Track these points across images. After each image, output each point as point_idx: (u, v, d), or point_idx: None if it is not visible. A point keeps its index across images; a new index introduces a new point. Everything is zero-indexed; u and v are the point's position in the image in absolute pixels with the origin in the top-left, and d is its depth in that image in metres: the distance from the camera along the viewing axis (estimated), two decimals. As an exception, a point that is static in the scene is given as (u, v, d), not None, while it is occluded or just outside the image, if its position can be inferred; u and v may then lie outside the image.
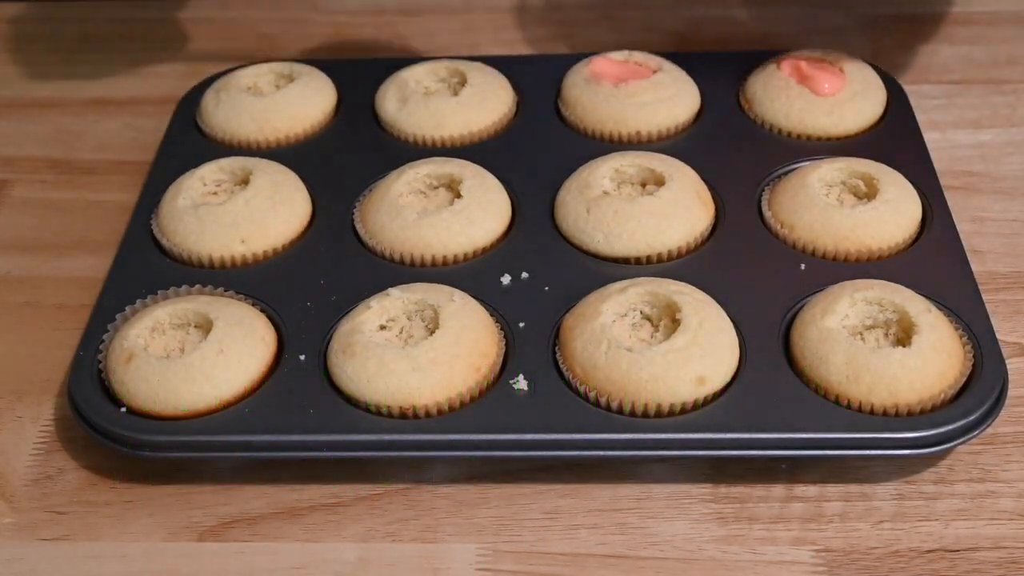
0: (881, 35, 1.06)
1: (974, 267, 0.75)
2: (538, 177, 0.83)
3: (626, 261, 0.77)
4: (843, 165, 0.80)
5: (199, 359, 0.68)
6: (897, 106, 0.89)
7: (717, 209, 0.80)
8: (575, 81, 0.90)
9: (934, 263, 0.75)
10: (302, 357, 0.70)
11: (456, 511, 0.67)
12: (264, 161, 0.83)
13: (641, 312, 0.71)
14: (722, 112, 0.90)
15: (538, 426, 0.66)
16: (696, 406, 0.67)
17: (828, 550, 0.64)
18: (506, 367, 0.70)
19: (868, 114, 0.87)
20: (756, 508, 0.66)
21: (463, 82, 0.90)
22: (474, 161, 0.83)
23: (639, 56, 0.92)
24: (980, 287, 0.73)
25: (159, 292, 0.75)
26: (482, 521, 0.66)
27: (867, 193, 0.79)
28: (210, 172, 0.82)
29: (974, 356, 0.69)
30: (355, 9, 1.12)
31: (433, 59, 0.93)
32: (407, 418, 0.67)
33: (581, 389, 0.68)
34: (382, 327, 0.71)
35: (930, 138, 0.88)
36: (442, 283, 0.73)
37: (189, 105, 0.92)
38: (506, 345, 0.71)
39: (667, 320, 0.70)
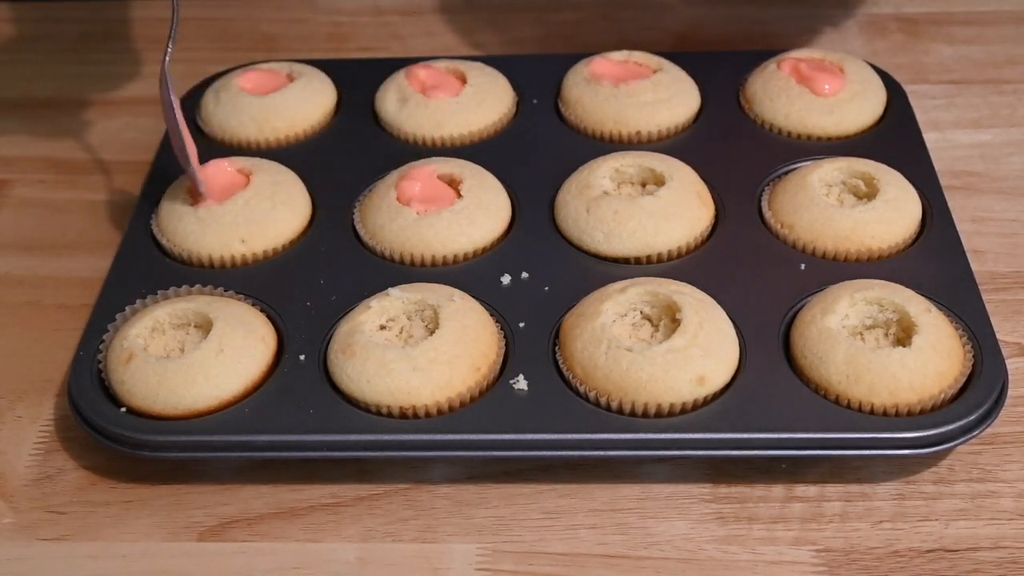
0: (881, 35, 1.06)
1: (974, 267, 0.75)
2: (538, 177, 0.83)
3: (626, 261, 0.77)
4: (843, 165, 0.80)
5: (199, 359, 0.68)
6: (897, 106, 0.89)
7: (717, 209, 0.80)
8: (575, 81, 0.90)
9: (934, 263, 0.75)
10: (302, 357, 0.70)
11: (456, 511, 0.67)
12: (264, 161, 0.83)
13: (641, 312, 0.71)
14: (722, 112, 0.89)
15: (538, 426, 0.66)
16: (696, 406, 0.67)
17: (828, 550, 0.64)
18: (506, 367, 0.70)
19: (868, 114, 0.87)
20: (756, 508, 0.66)
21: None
22: (474, 161, 0.83)
23: (639, 56, 0.92)
24: (980, 287, 0.73)
25: (159, 292, 0.75)
26: (482, 521, 0.66)
27: (867, 193, 0.79)
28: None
29: (974, 356, 0.69)
30: (355, 9, 1.12)
31: (433, 59, 0.93)
32: (407, 418, 0.67)
33: (581, 389, 0.68)
34: (382, 327, 0.71)
35: (930, 138, 0.88)
36: (442, 283, 0.73)
37: (189, 105, 0.92)
38: (506, 345, 0.71)
39: (667, 320, 0.70)
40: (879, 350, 0.67)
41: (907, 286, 0.71)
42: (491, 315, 0.72)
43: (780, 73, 0.89)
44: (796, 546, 0.64)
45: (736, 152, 0.85)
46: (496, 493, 0.68)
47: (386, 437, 0.66)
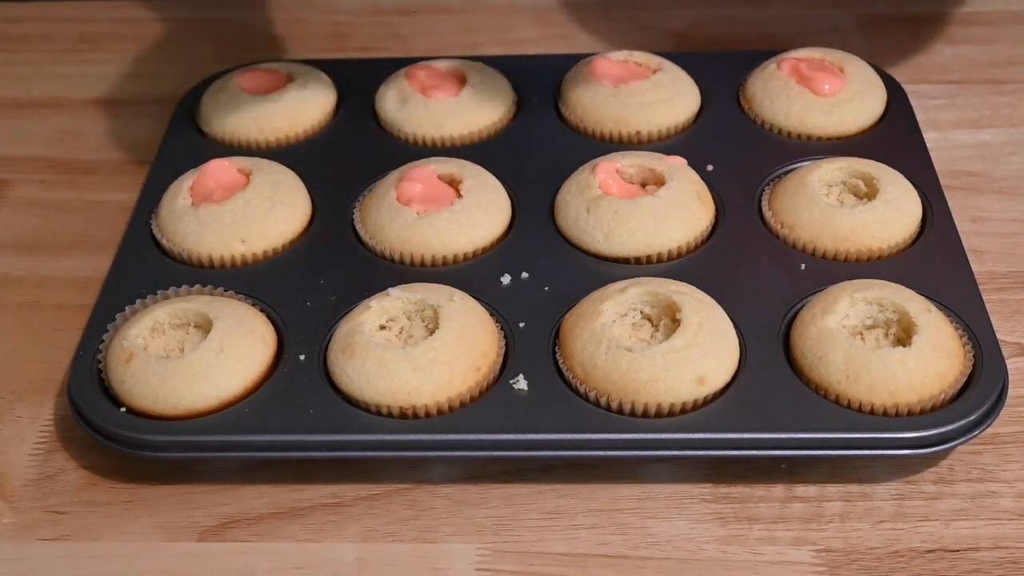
0: (881, 35, 1.06)
1: (974, 267, 0.75)
2: (538, 177, 0.83)
3: (626, 261, 0.77)
4: (843, 165, 0.80)
5: (199, 359, 0.68)
6: (897, 106, 0.89)
7: (717, 209, 0.80)
8: (575, 81, 0.90)
9: (934, 263, 0.75)
10: (302, 357, 0.70)
11: (456, 511, 0.67)
12: (264, 161, 0.83)
13: (641, 312, 0.71)
14: (722, 112, 0.90)
15: (538, 426, 0.66)
16: (696, 406, 0.67)
17: (828, 550, 0.64)
18: (506, 367, 0.70)
19: (868, 114, 0.87)
20: (756, 508, 0.66)
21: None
22: (474, 161, 0.83)
23: (639, 56, 0.92)
24: (980, 287, 0.73)
25: (159, 292, 0.75)
26: (482, 521, 0.66)
27: (867, 193, 0.79)
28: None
29: (974, 356, 0.69)
30: (355, 9, 1.12)
31: (433, 59, 0.93)
32: (407, 418, 0.67)
33: (581, 389, 0.68)
34: (382, 327, 0.71)
35: (930, 138, 0.88)
36: (442, 283, 0.73)
37: (189, 105, 0.92)
38: (506, 345, 0.71)
39: (667, 320, 0.70)
40: (879, 350, 0.67)
41: (907, 286, 0.71)
42: (491, 315, 0.72)
43: (780, 73, 0.89)
44: (796, 546, 0.64)
45: (736, 152, 0.85)
46: (496, 493, 0.68)
47: (386, 437, 0.66)
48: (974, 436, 0.66)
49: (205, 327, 0.71)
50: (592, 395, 0.67)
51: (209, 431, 0.67)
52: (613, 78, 0.88)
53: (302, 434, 0.66)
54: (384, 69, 0.93)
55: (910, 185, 0.79)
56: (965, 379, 0.68)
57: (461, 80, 0.90)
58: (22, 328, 0.79)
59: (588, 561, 0.64)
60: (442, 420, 0.67)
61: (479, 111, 0.88)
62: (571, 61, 0.92)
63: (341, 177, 0.84)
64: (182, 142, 0.89)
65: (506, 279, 0.75)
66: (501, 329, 0.72)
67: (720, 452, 0.65)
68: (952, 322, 0.70)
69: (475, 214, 0.78)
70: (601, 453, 0.66)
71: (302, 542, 0.66)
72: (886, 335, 0.70)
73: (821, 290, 0.72)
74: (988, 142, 0.92)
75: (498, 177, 0.82)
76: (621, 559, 0.64)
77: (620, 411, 0.67)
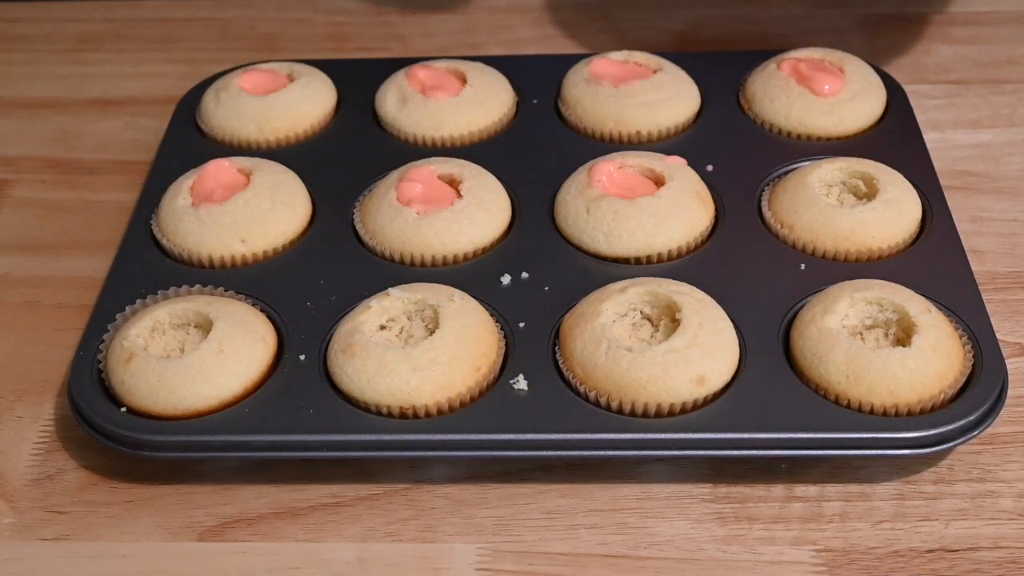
0: (881, 35, 1.06)
1: (974, 267, 0.75)
2: (538, 177, 0.83)
3: (626, 261, 0.77)
4: (843, 165, 0.80)
5: (199, 359, 0.68)
6: (897, 106, 0.89)
7: (717, 209, 0.80)
8: (575, 81, 0.90)
9: (934, 263, 0.75)
10: (302, 357, 0.70)
11: (456, 511, 0.67)
12: (264, 161, 0.83)
13: (641, 312, 0.71)
14: (722, 112, 0.90)
15: (538, 426, 0.66)
16: (696, 406, 0.67)
17: (828, 550, 0.64)
18: (506, 367, 0.70)
19: (868, 114, 0.87)
20: (756, 508, 0.66)
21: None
22: (474, 161, 0.83)
23: (639, 56, 0.92)
24: (980, 287, 0.73)
25: (159, 292, 0.75)
26: (482, 521, 0.66)
27: (867, 193, 0.79)
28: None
29: (974, 356, 0.69)
30: (355, 9, 1.12)
31: (433, 59, 0.93)
32: (407, 418, 0.67)
33: (581, 389, 0.68)
34: (382, 327, 0.71)
35: (930, 138, 0.88)
36: (442, 283, 0.73)
37: (189, 105, 0.92)
38: (506, 345, 0.71)
39: (667, 320, 0.70)
40: (879, 350, 0.67)
41: (907, 286, 0.71)
42: (491, 315, 0.72)
43: (780, 73, 0.89)
44: (796, 546, 0.64)
45: (736, 152, 0.85)
46: (496, 493, 0.68)
47: (386, 437, 0.66)
48: (974, 436, 0.66)
49: (205, 327, 0.71)
50: (592, 395, 0.67)
51: (209, 431, 0.67)
52: (613, 78, 0.88)
53: (302, 434, 0.66)
54: (384, 69, 0.93)
55: (910, 185, 0.79)
56: (965, 379, 0.68)
57: (461, 80, 0.90)
58: (22, 328, 0.79)
59: (588, 561, 0.64)
60: (442, 420, 0.67)
61: (479, 111, 0.88)
62: (571, 61, 0.92)
63: (341, 177, 0.84)
64: (182, 142, 0.89)
65: (506, 279, 0.75)
66: (501, 329, 0.72)
67: (720, 452, 0.65)
68: (952, 322, 0.70)
69: (475, 214, 0.78)
70: (601, 453, 0.66)
71: (302, 542, 0.66)
72: (886, 335, 0.70)
73: (821, 290, 0.72)
74: (988, 142, 0.92)
75: (498, 177, 0.82)
76: (621, 559, 0.64)
77: (620, 411, 0.67)
